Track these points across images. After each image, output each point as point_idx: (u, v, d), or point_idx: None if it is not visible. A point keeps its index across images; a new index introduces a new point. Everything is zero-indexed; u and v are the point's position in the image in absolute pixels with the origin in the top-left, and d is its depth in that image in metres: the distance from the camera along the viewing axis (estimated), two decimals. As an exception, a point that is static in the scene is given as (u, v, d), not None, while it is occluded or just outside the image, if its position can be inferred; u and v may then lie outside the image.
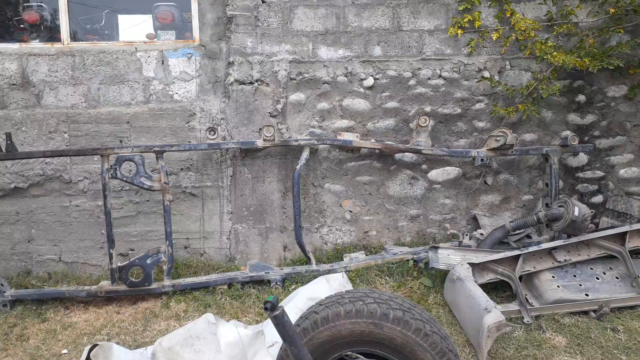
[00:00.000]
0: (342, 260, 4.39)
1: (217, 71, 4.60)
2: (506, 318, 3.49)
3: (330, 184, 4.67)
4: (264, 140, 4.24)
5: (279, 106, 4.55)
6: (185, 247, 4.63)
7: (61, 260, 4.56)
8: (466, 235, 4.24)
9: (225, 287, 4.13)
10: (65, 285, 4.30)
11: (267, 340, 2.77)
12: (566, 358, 3.10)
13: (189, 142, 4.52)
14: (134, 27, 4.82)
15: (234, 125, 4.54)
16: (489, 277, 3.76)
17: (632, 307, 3.63)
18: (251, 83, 4.52)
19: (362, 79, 4.62)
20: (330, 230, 4.69)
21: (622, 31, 4.50)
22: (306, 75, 4.56)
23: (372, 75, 4.63)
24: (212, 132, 4.27)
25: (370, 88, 4.63)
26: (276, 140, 4.27)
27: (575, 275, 3.75)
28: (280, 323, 1.88)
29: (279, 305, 1.89)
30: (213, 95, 4.59)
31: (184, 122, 4.53)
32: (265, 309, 1.86)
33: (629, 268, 3.70)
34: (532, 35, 4.43)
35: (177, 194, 4.53)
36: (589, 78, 4.71)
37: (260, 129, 4.45)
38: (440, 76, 4.67)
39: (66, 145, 4.46)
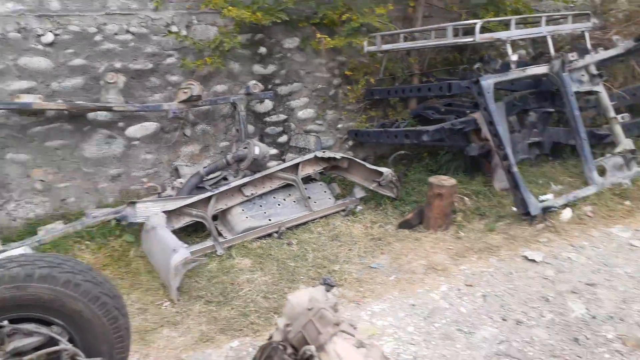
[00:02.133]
0: (36, 234, 4.08)
1: None
2: (204, 255, 3.85)
3: (13, 154, 4.21)
4: None
5: None
6: None
7: None
8: (169, 186, 4.42)
9: None
10: None
11: None
12: (248, 275, 3.63)
13: None
14: None
15: None
16: (185, 220, 4.05)
17: (304, 223, 4.42)
18: None
19: (39, 35, 4.22)
20: (19, 204, 4.28)
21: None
22: (-36, 31, 3.91)
23: (51, 31, 4.26)
24: None
25: (50, 45, 4.27)
26: None
27: (261, 206, 4.34)
28: None
29: None
30: None
31: None
32: None
33: (301, 192, 4.47)
34: (212, -10, 4.69)
35: None
36: (267, 32, 5.26)
37: None
38: (128, 31, 4.58)
39: None
